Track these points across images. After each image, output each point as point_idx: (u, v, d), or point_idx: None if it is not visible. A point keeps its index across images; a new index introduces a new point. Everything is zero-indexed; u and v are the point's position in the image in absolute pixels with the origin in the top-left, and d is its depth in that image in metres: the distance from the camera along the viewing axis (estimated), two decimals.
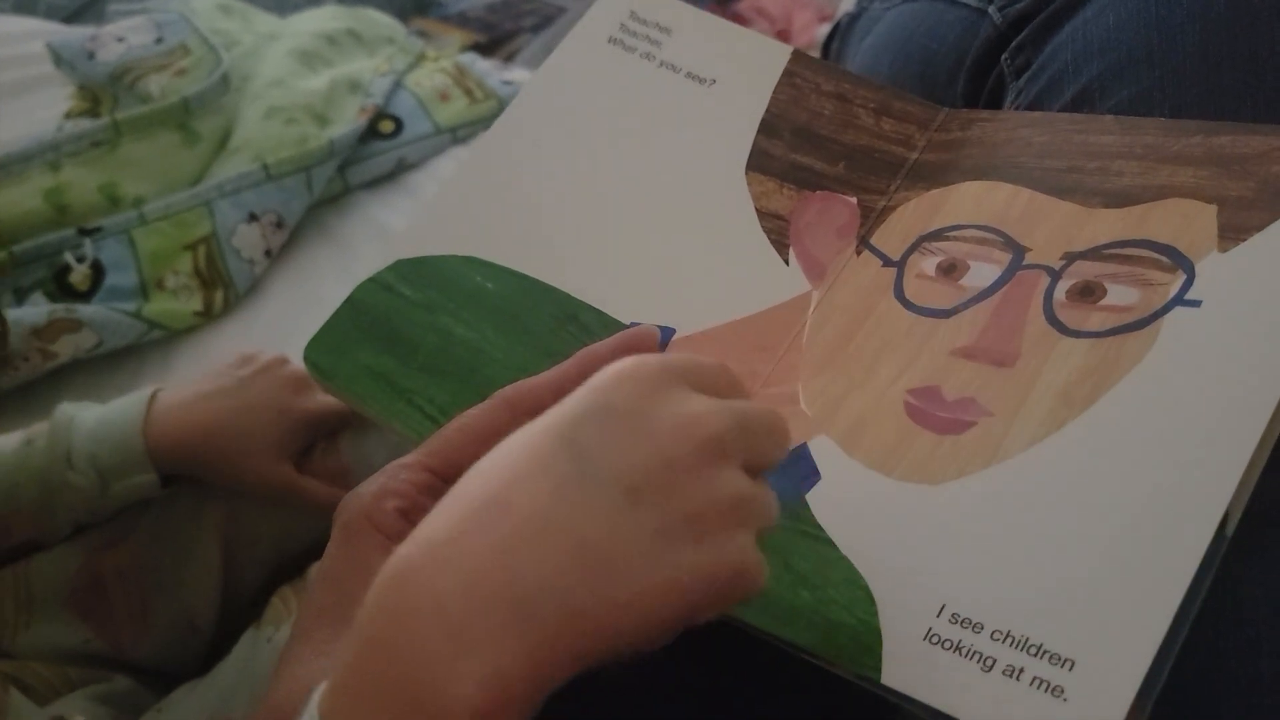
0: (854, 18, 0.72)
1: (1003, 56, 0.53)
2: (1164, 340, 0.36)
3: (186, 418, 0.63)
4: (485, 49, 1.48)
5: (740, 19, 1.41)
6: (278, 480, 0.63)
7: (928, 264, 0.41)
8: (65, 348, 0.71)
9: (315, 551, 0.66)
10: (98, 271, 0.76)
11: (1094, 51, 0.47)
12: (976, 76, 0.55)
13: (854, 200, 0.44)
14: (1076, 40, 0.48)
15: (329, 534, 0.67)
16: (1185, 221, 0.38)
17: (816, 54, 0.73)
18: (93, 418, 0.61)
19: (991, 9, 0.55)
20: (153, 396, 0.63)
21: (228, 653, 0.59)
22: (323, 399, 0.64)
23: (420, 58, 0.97)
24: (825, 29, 0.84)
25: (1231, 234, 0.37)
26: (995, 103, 0.53)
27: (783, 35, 1.43)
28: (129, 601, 0.61)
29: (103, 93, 0.85)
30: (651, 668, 0.35)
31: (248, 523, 0.64)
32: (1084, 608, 0.32)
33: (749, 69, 0.48)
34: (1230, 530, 0.33)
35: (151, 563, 0.62)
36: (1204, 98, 0.43)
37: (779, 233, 0.44)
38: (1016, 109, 0.50)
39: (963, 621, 0.33)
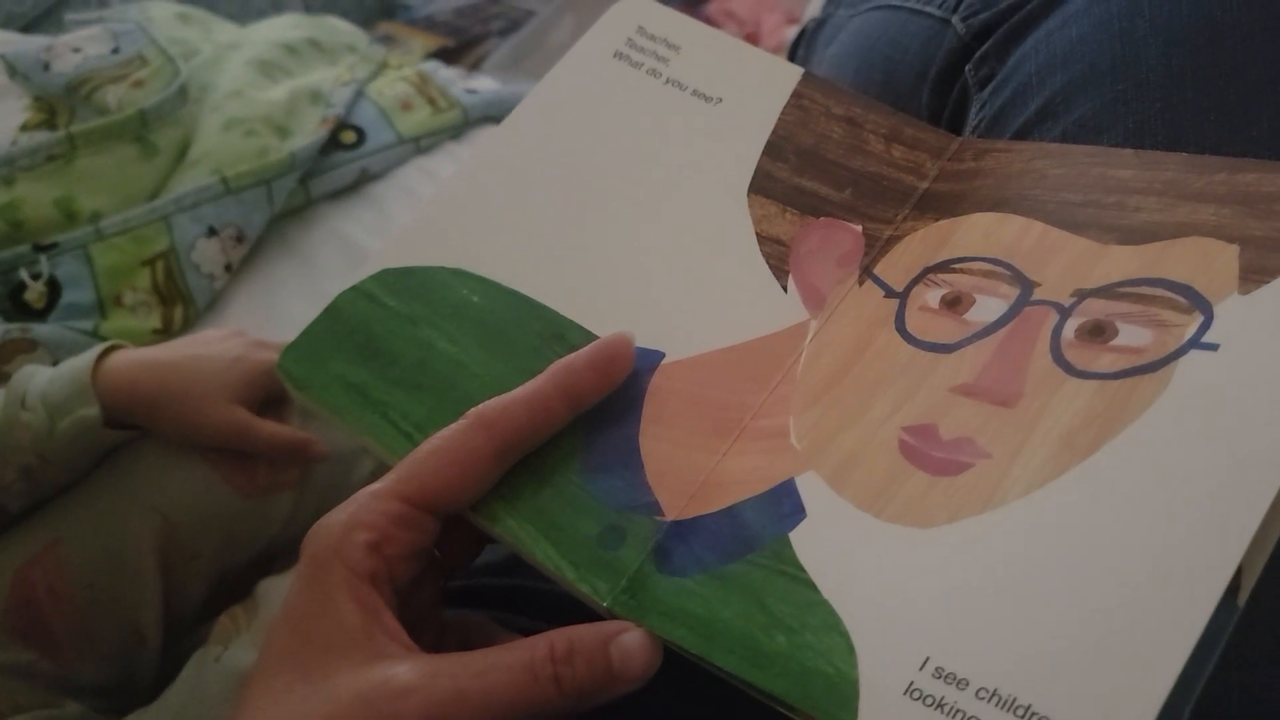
0: (819, 24, 0.71)
1: (966, 68, 0.52)
2: (1177, 384, 0.34)
3: (139, 357, 0.63)
4: (452, 53, 1.47)
5: (710, 21, 1.40)
6: (230, 422, 0.62)
7: (931, 296, 0.40)
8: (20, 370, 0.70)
9: (260, 564, 0.65)
10: (54, 289, 0.75)
11: (1057, 63, 0.47)
12: (940, 87, 0.54)
13: (859, 228, 0.43)
14: (1040, 52, 0.48)
15: (273, 546, 0.66)
16: (1205, 261, 0.36)
17: (783, 58, 0.72)
18: (52, 368, 0.63)
19: (955, 19, 0.54)
20: (112, 346, 0.63)
21: (177, 673, 0.57)
22: None
23: (382, 66, 0.96)
24: (794, 31, 0.83)
25: (1254, 276, 0.35)
26: (959, 114, 0.53)
27: (751, 38, 1.42)
28: (66, 621, 0.61)
29: (59, 104, 0.83)
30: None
31: (186, 538, 0.63)
32: (1077, 669, 0.30)
33: (757, 89, 0.46)
34: (1243, 600, 0.31)
35: (83, 580, 0.61)
36: (1166, 111, 0.42)
37: (779, 258, 0.42)
38: (981, 121, 0.50)
39: (946, 676, 0.31)
